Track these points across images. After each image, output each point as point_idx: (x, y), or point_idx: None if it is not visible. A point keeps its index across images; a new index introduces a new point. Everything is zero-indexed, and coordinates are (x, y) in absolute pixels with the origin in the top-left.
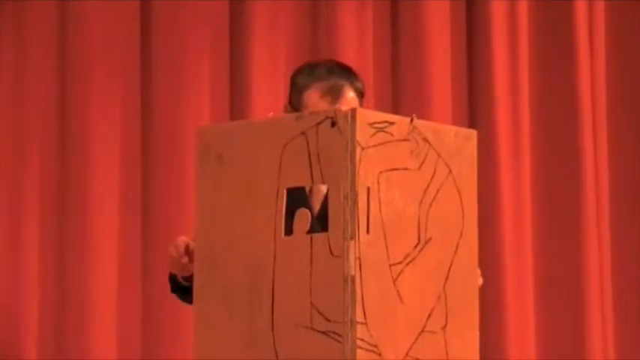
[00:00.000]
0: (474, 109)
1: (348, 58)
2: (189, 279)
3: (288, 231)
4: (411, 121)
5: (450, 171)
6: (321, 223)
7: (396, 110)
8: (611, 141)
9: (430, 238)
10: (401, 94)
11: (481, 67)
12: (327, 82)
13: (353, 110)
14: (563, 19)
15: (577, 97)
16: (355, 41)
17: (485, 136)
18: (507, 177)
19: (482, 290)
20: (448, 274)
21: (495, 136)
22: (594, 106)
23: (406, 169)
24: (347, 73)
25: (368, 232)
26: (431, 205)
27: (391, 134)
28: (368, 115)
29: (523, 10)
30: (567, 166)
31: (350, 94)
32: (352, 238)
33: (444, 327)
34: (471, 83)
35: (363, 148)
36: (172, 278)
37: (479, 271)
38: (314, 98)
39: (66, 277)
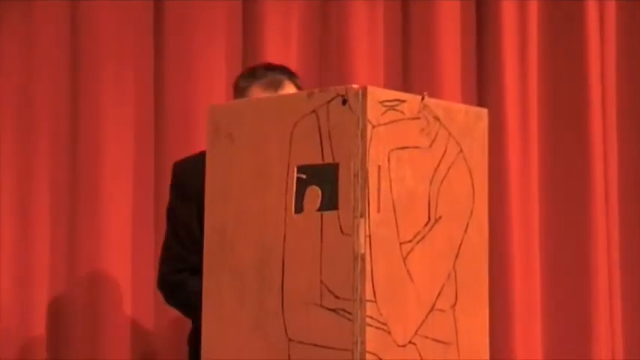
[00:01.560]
0: (483, 105)
1: (359, 56)
2: None
3: (299, 209)
4: (422, 99)
5: (461, 149)
6: (331, 201)
7: None
8: (620, 128)
9: (440, 217)
10: (411, 91)
11: (491, 65)
12: (267, 77)
13: (364, 88)
14: (573, 18)
15: (586, 82)
16: (366, 39)
17: (494, 129)
18: (515, 162)
19: (488, 279)
20: (458, 253)
21: (503, 133)
22: (604, 94)
23: (417, 147)
24: (284, 70)
25: (378, 210)
26: (441, 183)
27: (402, 112)
28: (379, 93)
29: (533, 8)
30: (575, 150)
31: (290, 87)
32: (362, 216)
33: (454, 305)
34: (480, 82)
35: (373, 126)
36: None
37: None
38: (256, 93)
39: (78, 261)
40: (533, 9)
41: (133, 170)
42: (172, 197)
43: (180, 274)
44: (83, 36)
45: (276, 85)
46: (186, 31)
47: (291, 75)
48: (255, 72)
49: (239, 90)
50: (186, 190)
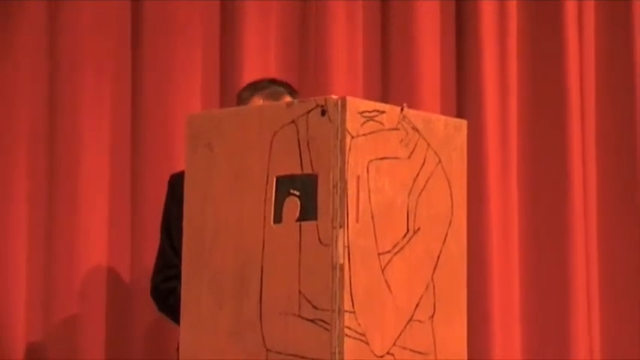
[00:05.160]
0: (462, 109)
1: (338, 58)
2: None
3: (278, 219)
4: (401, 110)
5: (440, 160)
6: (310, 211)
7: None
8: (599, 136)
9: (419, 228)
10: (390, 94)
11: (470, 66)
12: (269, 89)
13: (343, 99)
14: (552, 18)
15: (565, 90)
16: (345, 41)
17: (473, 133)
18: (494, 171)
19: (468, 288)
20: (437, 264)
21: (483, 134)
22: (582, 98)
23: (396, 158)
24: (286, 85)
25: (357, 220)
26: (420, 194)
27: (381, 123)
28: (358, 104)
29: (512, 8)
30: (554, 161)
31: (289, 99)
32: (341, 226)
33: (432, 316)
34: (459, 83)
35: (352, 137)
36: None
37: None
38: (258, 102)
39: (54, 270)
40: (512, 9)
41: (109, 177)
42: (168, 206)
43: (172, 281)
44: (61, 38)
45: (276, 97)
46: (163, 32)
47: (292, 91)
48: (258, 84)
49: (241, 100)
50: (181, 198)
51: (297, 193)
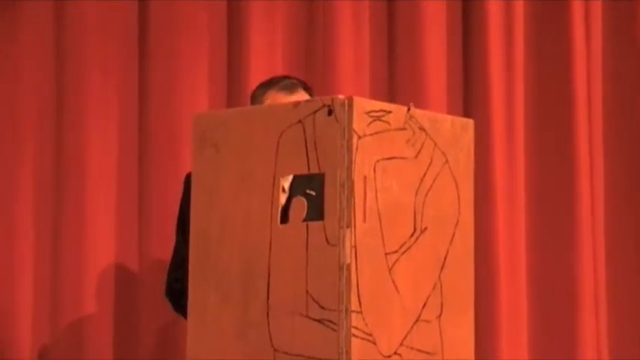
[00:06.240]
0: (469, 108)
1: (345, 58)
2: None
3: (284, 219)
4: (408, 110)
5: (447, 160)
6: (317, 211)
7: None
8: (607, 135)
9: (426, 228)
10: (397, 94)
11: (477, 66)
12: (283, 82)
13: (350, 98)
14: (559, 18)
15: (572, 89)
16: (352, 41)
17: (480, 133)
18: (501, 171)
19: (475, 288)
20: (444, 264)
21: (489, 134)
22: (590, 99)
23: (403, 158)
24: (300, 81)
25: (364, 220)
26: (427, 194)
27: (388, 123)
28: (365, 104)
29: (519, 9)
30: (561, 161)
31: (304, 96)
32: (348, 226)
33: (439, 316)
34: (466, 84)
35: (359, 137)
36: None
37: None
38: (272, 95)
39: (61, 270)
40: (519, 9)
41: (116, 178)
42: (184, 205)
43: (185, 281)
44: (67, 37)
45: (290, 89)
46: (170, 32)
47: (306, 86)
48: (272, 80)
49: (255, 97)
50: None
51: (314, 193)
